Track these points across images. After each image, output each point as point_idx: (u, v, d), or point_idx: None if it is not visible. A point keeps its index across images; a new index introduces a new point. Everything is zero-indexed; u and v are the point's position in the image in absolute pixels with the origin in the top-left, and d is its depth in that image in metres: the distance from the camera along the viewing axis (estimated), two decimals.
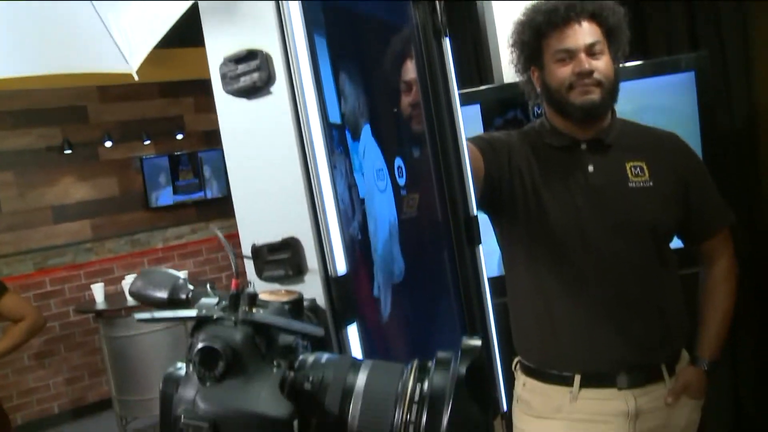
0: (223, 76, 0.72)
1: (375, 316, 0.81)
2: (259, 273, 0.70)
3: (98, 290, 5.04)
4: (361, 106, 0.87)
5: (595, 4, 1.61)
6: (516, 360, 1.82)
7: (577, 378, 1.68)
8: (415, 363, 0.50)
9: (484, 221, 1.63)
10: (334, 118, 0.78)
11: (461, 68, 2.21)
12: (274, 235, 0.68)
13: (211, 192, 6.50)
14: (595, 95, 1.59)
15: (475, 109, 2.44)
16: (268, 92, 0.70)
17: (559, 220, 1.65)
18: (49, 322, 5.66)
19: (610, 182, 1.65)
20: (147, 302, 0.67)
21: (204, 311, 0.50)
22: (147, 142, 6.22)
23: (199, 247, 6.46)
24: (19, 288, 5.35)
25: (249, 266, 0.69)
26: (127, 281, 4.98)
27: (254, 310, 0.50)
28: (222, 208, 6.51)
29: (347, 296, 0.68)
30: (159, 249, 6.25)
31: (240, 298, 0.51)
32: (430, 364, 0.50)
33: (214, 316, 0.49)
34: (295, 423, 0.46)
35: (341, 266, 0.69)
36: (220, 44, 0.73)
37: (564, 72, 1.61)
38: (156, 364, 4.77)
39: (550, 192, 1.66)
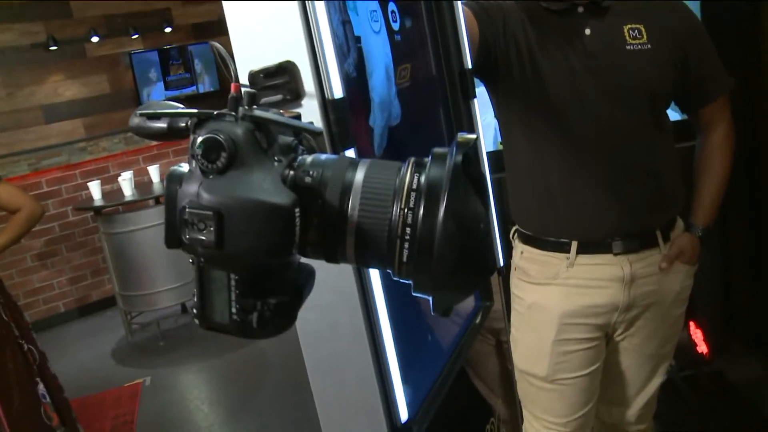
0: None
1: (368, 148, 0.81)
2: None
3: (95, 188, 5.05)
4: None
5: None
6: (514, 229, 1.84)
7: (574, 244, 1.70)
8: (412, 159, 0.50)
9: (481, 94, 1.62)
10: None
11: None
12: (270, 61, 0.67)
13: (203, 86, 6.41)
14: None
15: None
16: None
17: (555, 84, 1.63)
18: (49, 222, 5.71)
19: (607, 45, 1.62)
20: (147, 135, 0.66)
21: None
22: (135, 36, 6.07)
23: None
24: None
25: None
26: (124, 177, 4.99)
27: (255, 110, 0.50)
28: (215, 102, 6.43)
29: (344, 120, 0.68)
30: (153, 146, 6.21)
31: (239, 101, 0.50)
32: (427, 159, 0.50)
33: (215, 113, 0.50)
34: (297, 212, 0.47)
35: (338, 90, 0.68)
36: None
37: None
38: (156, 259, 4.85)
39: (546, 56, 1.63)
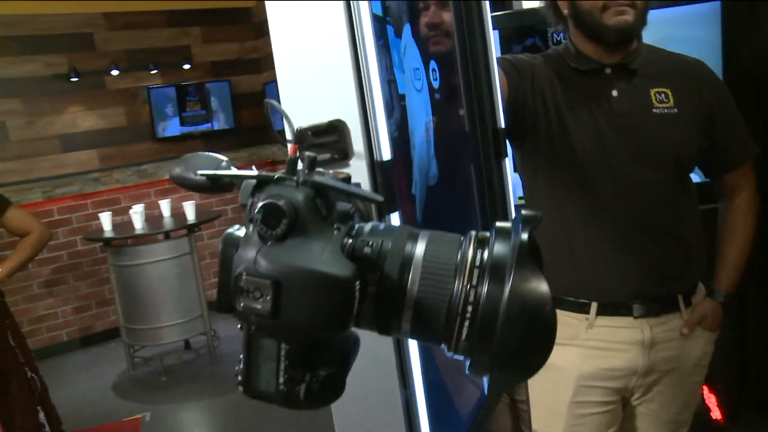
0: None
1: (411, 213, 0.81)
2: None
3: (106, 219, 5.05)
4: (402, 4, 0.84)
5: None
6: None
7: (594, 305, 1.68)
8: (473, 233, 0.49)
9: None
10: (376, 9, 0.76)
11: None
12: (318, 119, 0.66)
13: (218, 123, 6.46)
14: (630, 16, 1.54)
15: (494, 36, 2.40)
16: None
17: (581, 145, 1.62)
18: (57, 251, 5.72)
19: (634, 108, 1.62)
20: (189, 186, 0.65)
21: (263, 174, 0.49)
22: (154, 72, 6.15)
23: None
24: None
25: None
26: (135, 210, 4.99)
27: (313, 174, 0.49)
28: (229, 139, 6.49)
29: (391, 183, 0.68)
30: (166, 180, 6.24)
31: (298, 164, 0.50)
32: (489, 234, 0.49)
33: (275, 176, 0.49)
34: (357, 285, 0.46)
35: (386, 152, 0.68)
36: None
37: None
38: (163, 294, 4.83)
39: (573, 116, 1.63)
